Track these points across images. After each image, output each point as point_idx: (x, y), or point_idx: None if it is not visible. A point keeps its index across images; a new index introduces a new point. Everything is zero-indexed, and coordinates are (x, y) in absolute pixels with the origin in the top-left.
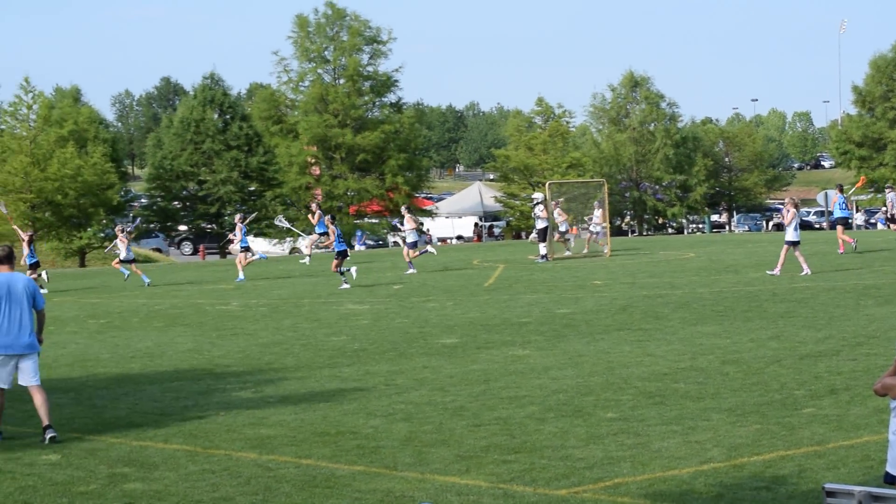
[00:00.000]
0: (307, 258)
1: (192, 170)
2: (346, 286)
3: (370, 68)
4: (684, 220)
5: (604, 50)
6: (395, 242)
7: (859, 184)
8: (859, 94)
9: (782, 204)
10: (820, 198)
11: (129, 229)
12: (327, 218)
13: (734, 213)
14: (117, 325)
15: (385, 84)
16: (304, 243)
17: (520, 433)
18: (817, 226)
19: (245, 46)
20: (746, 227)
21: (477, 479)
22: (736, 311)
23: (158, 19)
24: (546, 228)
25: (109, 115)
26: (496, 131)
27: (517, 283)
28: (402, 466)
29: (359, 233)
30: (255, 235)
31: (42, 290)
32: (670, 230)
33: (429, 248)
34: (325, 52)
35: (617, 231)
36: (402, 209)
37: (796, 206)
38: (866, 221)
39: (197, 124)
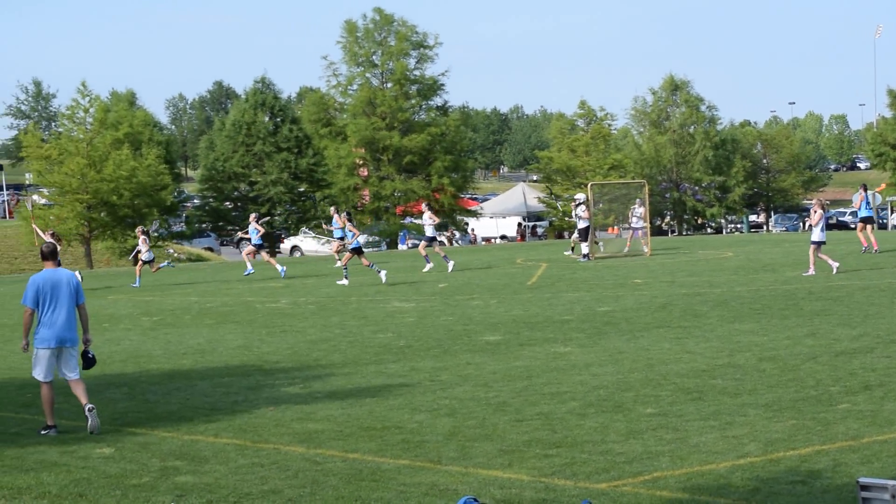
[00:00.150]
0: (361, 254)
1: (243, 171)
2: (344, 282)
3: (417, 72)
4: (723, 221)
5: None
6: (441, 242)
7: (880, 189)
8: (894, 98)
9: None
10: (855, 198)
11: (152, 230)
12: (344, 216)
13: (772, 214)
14: (170, 323)
15: (431, 88)
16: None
17: (561, 428)
18: (853, 226)
19: (295, 51)
20: (784, 228)
21: (519, 472)
22: (773, 309)
23: (211, 25)
24: (587, 228)
25: (163, 118)
26: (539, 134)
27: (559, 282)
28: (446, 460)
29: (403, 232)
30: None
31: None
32: (709, 230)
33: (450, 263)
34: (373, 57)
35: (657, 231)
36: (423, 205)
37: (823, 208)
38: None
39: (248, 127)
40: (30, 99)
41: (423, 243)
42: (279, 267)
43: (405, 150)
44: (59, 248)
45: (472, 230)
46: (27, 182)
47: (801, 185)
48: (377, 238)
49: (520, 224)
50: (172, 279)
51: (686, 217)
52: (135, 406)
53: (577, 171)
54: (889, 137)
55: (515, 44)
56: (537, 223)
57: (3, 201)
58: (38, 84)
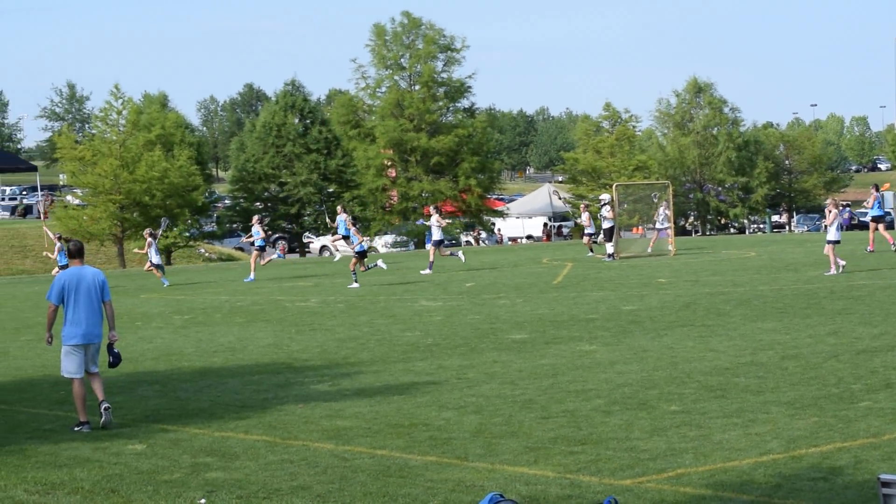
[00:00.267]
0: (338, 254)
1: (273, 172)
2: (355, 286)
3: (444, 75)
4: (746, 221)
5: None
6: (467, 242)
7: (885, 187)
8: None
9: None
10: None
11: (161, 229)
12: (349, 219)
13: (794, 214)
14: (201, 321)
15: (458, 90)
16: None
17: (586, 425)
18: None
19: (324, 54)
20: (806, 228)
21: (545, 469)
22: (795, 308)
23: (242, 29)
24: (612, 228)
25: (195, 119)
26: (565, 135)
27: (585, 281)
28: (472, 457)
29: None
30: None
31: None
32: (732, 230)
33: (459, 253)
34: (402, 60)
35: (681, 231)
36: (430, 209)
37: (837, 207)
38: None
39: (278, 129)
40: (64, 101)
41: (431, 247)
42: (252, 275)
43: (433, 151)
44: (62, 247)
45: (499, 230)
46: (61, 183)
47: (823, 186)
48: (405, 238)
49: (545, 224)
50: (204, 278)
51: (709, 217)
52: (166, 403)
53: (603, 172)
54: None
55: (541, 46)
56: (563, 223)
57: (38, 202)
58: (72, 87)
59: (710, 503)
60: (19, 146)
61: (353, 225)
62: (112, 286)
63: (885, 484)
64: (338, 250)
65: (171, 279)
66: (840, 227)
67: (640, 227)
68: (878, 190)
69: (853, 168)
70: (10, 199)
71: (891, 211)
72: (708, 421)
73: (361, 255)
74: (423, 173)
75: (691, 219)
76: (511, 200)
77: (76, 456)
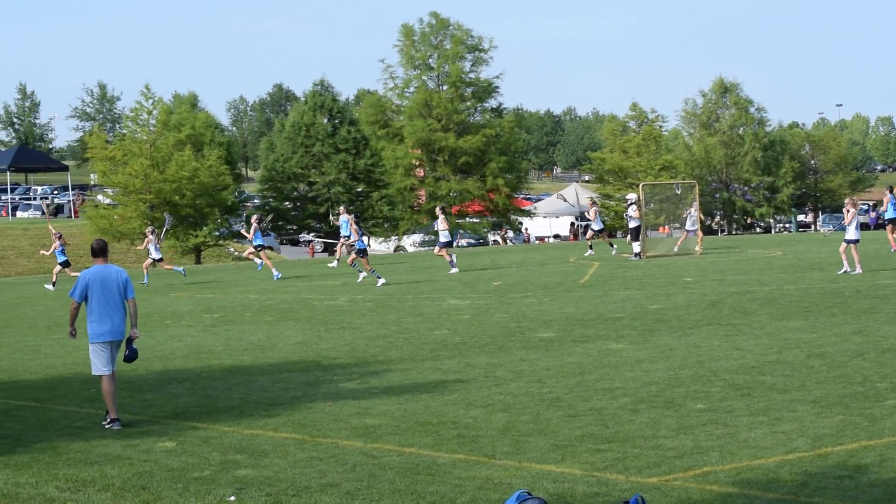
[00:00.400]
0: (365, 256)
1: (302, 172)
2: (364, 274)
3: (472, 75)
4: (772, 220)
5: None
6: (494, 241)
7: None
8: None
9: (865, 204)
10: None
11: (165, 227)
12: (352, 218)
13: (819, 213)
14: (230, 320)
15: (486, 90)
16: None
17: (613, 423)
18: None
19: (353, 55)
20: (831, 227)
21: (572, 467)
22: (821, 307)
23: (271, 30)
24: (639, 227)
25: (225, 119)
26: (592, 135)
27: (611, 280)
28: (500, 455)
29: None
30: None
31: (49, 286)
32: (758, 229)
33: (454, 267)
34: (430, 60)
35: (707, 230)
36: (437, 210)
37: (855, 207)
38: None
39: (307, 128)
40: (95, 101)
41: (438, 248)
42: (258, 261)
43: (460, 151)
44: (60, 245)
45: (526, 229)
46: (92, 182)
47: (849, 186)
48: (433, 237)
49: (572, 224)
50: (233, 277)
51: (735, 217)
52: (196, 401)
53: (629, 172)
54: None
55: (568, 47)
56: (589, 222)
57: (70, 201)
58: (102, 87)
59: (737, 501)
60: (51, 146)
61: (357, 224)
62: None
63: None
64: (336, 257)
65: (200, 279)
66: (859, 227)
67: (666, 227)
68: (892, 192)
69: (878, 168)
70: (42, 198)
71: None
72: (734, 419)
73: (361, 252)
74: (451, 173)
75: (717, 218)
76: (538, 200)
77: (107, 453)
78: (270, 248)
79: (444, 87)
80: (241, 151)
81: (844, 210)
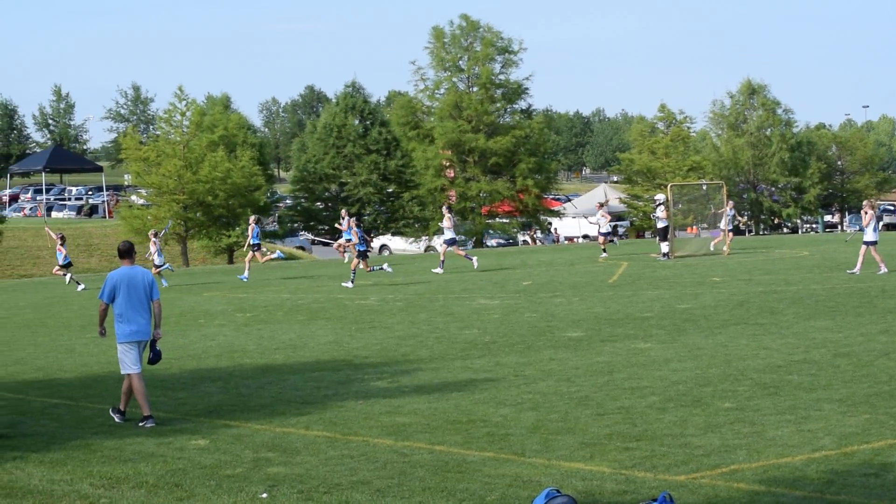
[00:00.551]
0: (365, 258)
1: (334, 172)
2: (349, 285)
3: (502, 77)
4: (799, 221)
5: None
6: (524, 241)
7: None
8: None
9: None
10: None
11: (162, 232)
12: (353, 220)
13: (846, 214)
14: (262, 319)
15: (516, 91)
16: (334, 246)
17: (641, 422)
18: None
19: (384, 57)
20: (858, 227)
21: (600, 465)
22: (847, 307)
23: (303, 32)
24: (666, 228)
25: (257, 121)
26: (621, 136)
27: (640, 280)
28: (529, 453)
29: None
30: (393, 234)
31: (79, 287)
32: (785, 230)
33: (474, 260)
34: (460, 62)
35: (735, 231)
36: (444, 208)
37: (874, 208)
38: None
39: (339, 130)
40: (129, 103)
41: (444, 247)
42: (246, 273)
43: (490, 152)
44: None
45: (556, 230)
46: (126, 183)
47: (875, 186)
48: (463, 237)
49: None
50: (264, 276)
51: (763, 217)
52: (229, 399)
53: (657, 173)
54: None
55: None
56: (618, 223)
57: (104, 201)
58: (136, 88)
59: (763, 499)
60: (85, 147)
61: (357, 226)
62: (175, 284)
63: None
64: (343, 254)
65: (232, 278)
66: (877, 229)
67: (694, 227)
68: None
69: None
70: (77, 198)
71: None
72: (761, 418)
73: (362, 254)
74: (481, 174)
75: (745, 218)
76: (567, 200)
77: (140, 451)
78: (259, 248)
79: (475, 89)
80: (273, 152)
81: (862, 212)
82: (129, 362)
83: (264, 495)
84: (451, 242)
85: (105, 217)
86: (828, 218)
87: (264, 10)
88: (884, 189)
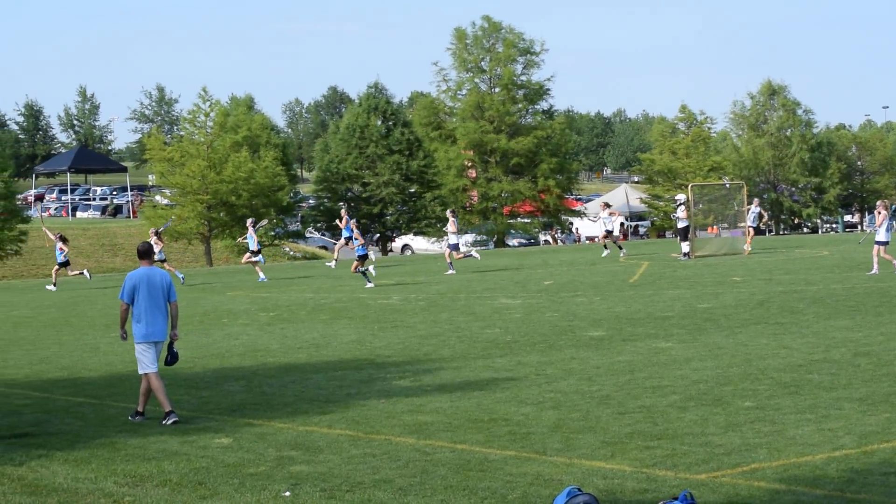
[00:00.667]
0: (333, 262)
1: (356, 173)
2: (370, 285)
3: (524, 77)
4: (819, 221)
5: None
6: (545, 241)
7: None
8: None
9: None
10: None
11: (162, 229)
12: (353, 222)
13: (866, 214)
14: (286, 318)
15: (538, 92)
16: (335, 247)
17: (662, 421)
18: None
19: (407, 58)
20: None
21: (621, 463)
22: (867, 307)
23: (327, 33)
24: (687, 227)
25: (280, 121)
26: (642, 137)
27: (661, 280)
28: (550, 451)
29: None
30: (415, 234)
31: (49, 286)
32: (805, 230)
33: (473, 252)
34: (482, 63)
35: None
36: (448, 212)
37: (887, 209)
38: None
39: (362, 130)
40: (153, 104)
41: (447, 251)
42: (262, 275)
43: (512, 152)
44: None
45: (577, 229)
46: (150, 183)
47: (895, 187)
48: (485, 237)
49: (622, 224)
50: (287, 274)
51: (783, 217)
52: (252, 398)
53: (678, 173)
54: None
55: (618, 50)
56: (639, 223)
57: (128, 201)
58: (161, 90)
59: (784, 497)
60: (110, 147)
61: (357, 227)
62: (199, 284)
63: None
64: (335, 259)
65: (256, 278)
66: (890, 229)
67: (714, 227)
68: None
69: None
70: (101, 198)
71: None
72: (781, 417)
73: (362, 257)
74: (503, 174)
75: (765, 218)
76: (589, 200)
77: (164, 449)
78: (257, 253)
79: (496, 90)
80: (296, 153)
81: (876, 212)
82: (146, 361)
83: (287, 493)
84: (454, 248)
85: (129, 217)
86: (847, 218)
87: (287, 12)
88: None
